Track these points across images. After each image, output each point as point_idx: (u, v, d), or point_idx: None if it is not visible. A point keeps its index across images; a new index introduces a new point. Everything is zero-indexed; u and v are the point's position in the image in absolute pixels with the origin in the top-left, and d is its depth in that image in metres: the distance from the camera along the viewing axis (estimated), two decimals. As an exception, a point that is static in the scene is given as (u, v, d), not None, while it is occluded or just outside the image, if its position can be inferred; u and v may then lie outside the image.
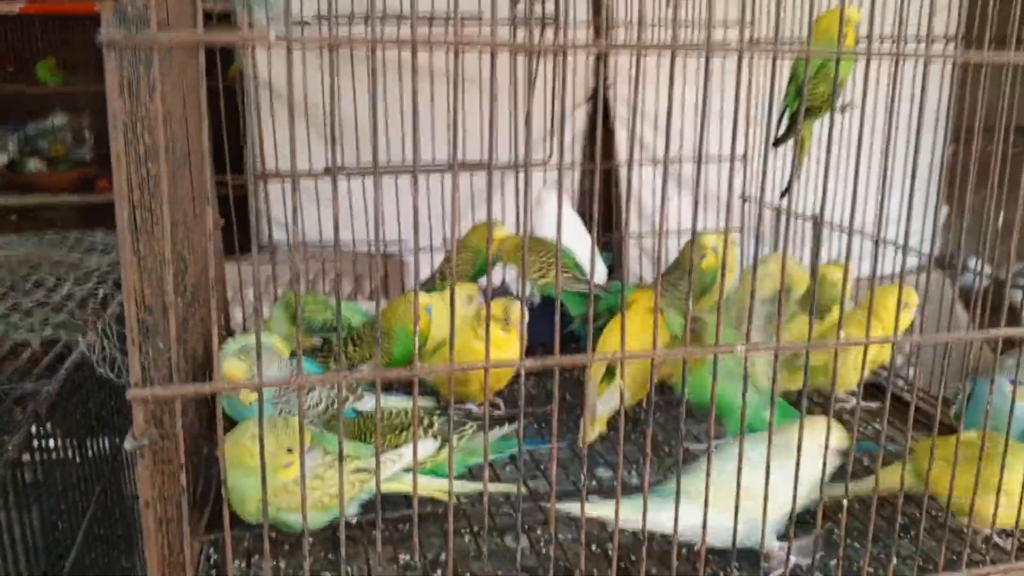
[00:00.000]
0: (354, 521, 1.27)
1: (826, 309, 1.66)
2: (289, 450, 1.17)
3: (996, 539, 1.17)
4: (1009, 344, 1.27)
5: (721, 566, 1.16)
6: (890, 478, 1.16)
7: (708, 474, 0.95)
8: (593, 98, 2.62)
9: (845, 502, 1.04)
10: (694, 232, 0.93)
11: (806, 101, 1.53)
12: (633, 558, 1.19)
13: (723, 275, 0.97)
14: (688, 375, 0.95)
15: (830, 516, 1.22)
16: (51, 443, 1.54)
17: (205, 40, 0.71)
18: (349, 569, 1.18)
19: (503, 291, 2.06)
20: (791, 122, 1.59)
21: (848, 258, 0.97)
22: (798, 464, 0.96)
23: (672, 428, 1.60)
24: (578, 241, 1.87)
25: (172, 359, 0.81)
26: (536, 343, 1.28)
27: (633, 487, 1.36)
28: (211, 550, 1.22)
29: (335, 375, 0.84)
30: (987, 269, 1.42)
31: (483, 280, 1.86)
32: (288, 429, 1.17)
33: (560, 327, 0.87)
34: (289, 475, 1.18)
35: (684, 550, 1.20)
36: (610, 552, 1.09)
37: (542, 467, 1.45)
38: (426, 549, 1.23)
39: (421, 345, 1.59)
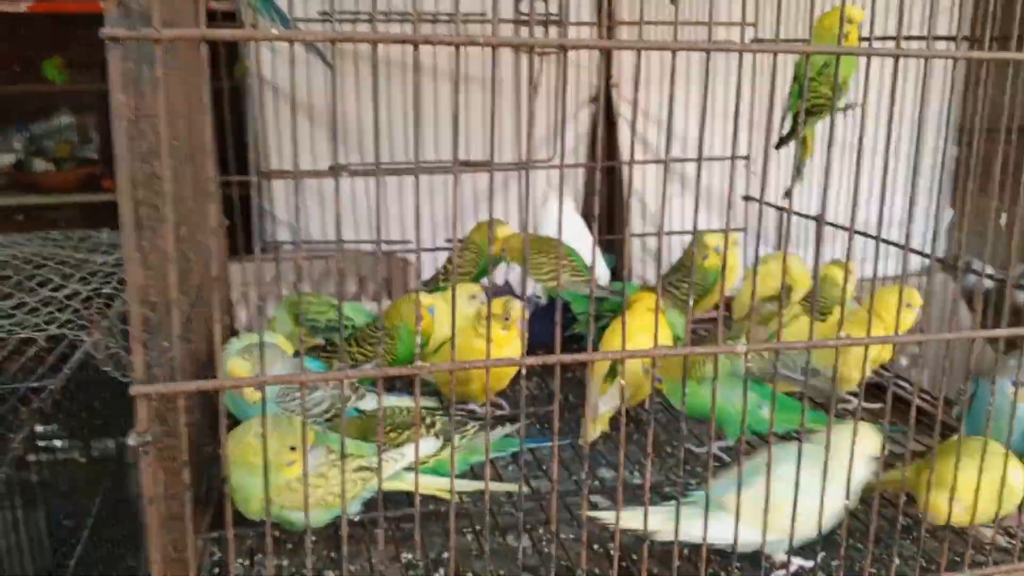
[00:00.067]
0: (356, 519, 1.28)
1: (828, 310, 1.66)
2: (292, 448, 1.17)
3: (1000, 539, 1.17)
4: (1012, 345, 1.27)
5: (723, 566, 1.16)
6: (890, 479, 1.16)
7: (725, 483, 0.95)
8: (595, 98, 2.62)
9: (846, 503, 1.05)
10: (695, 232, 0.93)
11: (810, 101, 1.54)
12: (634, 557, 1.19)
13: (724, 275, 0.96)
14: (683, 381, 0.95)
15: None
16: (57, 443, 1.55)
17: (207, 35, 0.71)
18: (352, 567, 1.19)
19: (507, 291, 2.06)
20: (794, 122, 1.59)
21: (849, 257, 0.97)
22: (848, 475, 0.98)
23: (674, 429, 1.60)
24: (581, 241, 1.87)
25: (175, 356, 0.81)
26: (539, 344, 1.28)
27: (635, 487, 1.36)
28: (214, 548, 1.23)
29: (338, 373, 0.85)
30: (990, 270, 1.42)
31: (487, 279, 1.86)
32: (292, 428, 1.18)
33: (564, 328, 0.88)
34: (292, 473, 1.18)
35: (686, 550, 1.20)
36: (611, 551, 1.09)
37: (544, 467, 1.45)
38: (428, 548, 1.23)
39: (423, 344, 1.59)
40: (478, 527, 1.26)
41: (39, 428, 1.47)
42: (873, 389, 1.69)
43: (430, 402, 1.60)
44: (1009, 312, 1.09)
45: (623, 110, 2.79)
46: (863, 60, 0.90)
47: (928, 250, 1.48)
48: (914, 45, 1.64)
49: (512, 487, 1.33)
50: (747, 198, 2.17)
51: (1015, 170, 1.23)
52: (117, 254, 1.64)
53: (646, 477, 0.96)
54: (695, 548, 1.17)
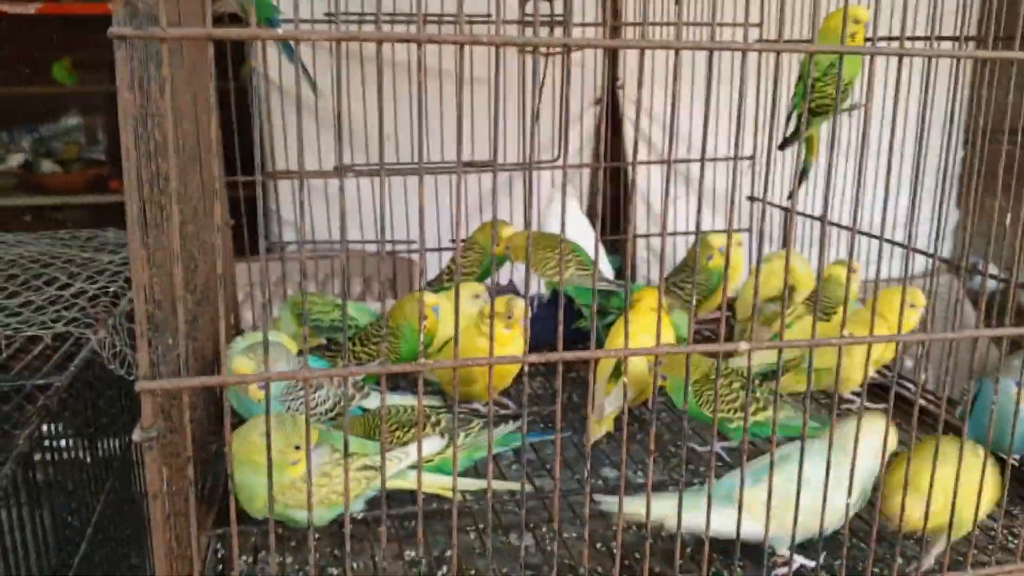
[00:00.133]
0: (360, 517, 1.28)
1: (832, 310, 1.66)
2: (297, 447, 1.17)
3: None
4: (1016, 345, 1.27)
5: (725, 564, 1.16)
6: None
7: (740, 479, 0.95)
8: (604, 99, 2.63)
9: (848, 502, 1.04)
10: (698, 231, 0.93)
11: (816, 101, 1.54)
12: (637, 555, 1.19)
13: (726, 276, 0.96)
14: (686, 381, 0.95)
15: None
16: (62, 443, 1.56)
17: (212, 34, 0.72)
18: (355, 565, 1.19)
19: (511, 290, 2.06)
20: (798, 123, 1.59)
21: (851, 256, 0.97)
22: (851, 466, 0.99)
23: (677, 428, 1.60)
24: (586, 241, 1.87)
25: (180, 353, 0.82)
26: (542, 342, 1.29)
27: (638, 486, 1.36)
28: (218, 545, 1.23)
29: (341, 370, 0.85)
30: (994, 270, 1.42)
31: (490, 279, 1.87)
32: (296, 427, 1.18)
33: (569, 324, 0.88)
34: (297, 472, 1.18)
35: (688, 549, 1.20)
36: (614, 550, 1.09)
37: (547, 466, 1.45)
38: (432, 546, 1.24)
39: (427, 344, 1.60)
40: (481, 525, 1.26)
41: (45, 428, 1.47)
42: (876, 390, 1.69)
43: (434, 401, 1.61)
44: (1014, 312, 1.09)
45: (628, 111, 2.80)
46: (868, 60, 0.90)
47: (936, 251, 1.48)
48: (919, 46, 1.64)
49: (515, 485, 1.34)
50: (752, 199, 2.17)
51: (1020, 171, 1.23)
52: (123, 253, 1.65)
53: (648, 476, 0.96)
54: (697, 547, 1.18)
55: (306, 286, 0.83)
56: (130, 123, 0.76)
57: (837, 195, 1.85)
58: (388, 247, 2.21)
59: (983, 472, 1.08)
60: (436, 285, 1.91)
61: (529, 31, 1.97)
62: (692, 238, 2.23)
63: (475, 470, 1.39)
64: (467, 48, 0.79)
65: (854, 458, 1.00)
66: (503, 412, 1.63)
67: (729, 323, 1.97)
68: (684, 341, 1.54)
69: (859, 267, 1.78)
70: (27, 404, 1.44)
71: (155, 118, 0.92)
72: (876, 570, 1.14)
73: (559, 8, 2.10)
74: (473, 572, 1.18)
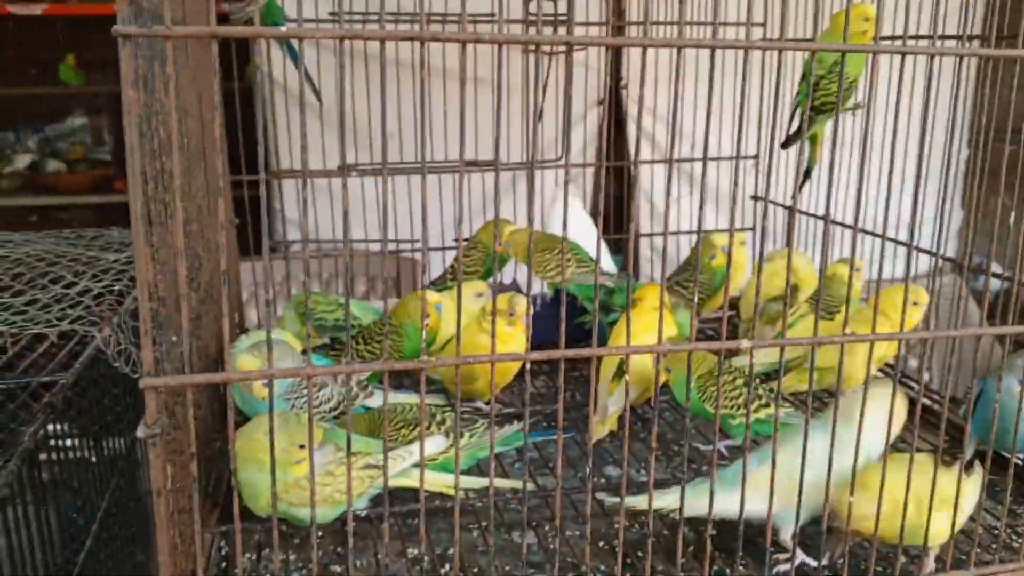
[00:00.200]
0: (363, 515, 1.28)
1: (836, 309, 1.66)
2: (301, 446, 1.18)
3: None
4: (1020, 344, 1.26)
5: (728, 562, 1.16)
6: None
7: (742, 465, 0.95)
8: (607, 98, 2.63)
9: (850, 501, 1.04)
10: (699, 231, 0.94)
11: (820, 99, 1.54)
12: (639, 554, 1.19)
13: (729, 274, 0.96)
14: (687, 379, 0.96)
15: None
16: (68, 442, 1.56)
17: (217, 32, 0.72)
18: (358, 562, 1.20)
19: (514, 289, 2.06)
20: (801, 121, 1.59)
21: (853, 254, 0.97)
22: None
23: (680, 427, 1.60)
24: (589, 240, 1.87)
25: (184, 350, 0.82)
26: (545, 341, 1.29)
27: (640, 484, 1.36)
28: (222, 542, 1.24)
29: (344, 367, 0.85)
30: (998, 268, 1.41)
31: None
32: (300, 425, 1.18)
33: (572, 319, 0.88)
34: (301, 471, 1.19)
35: (691, 547, 1.21)
36: (616, 548, 1.09)
37: (550, 464, 1.45)
38: (434, 543, 1.24)
39: (430, 342, 1.60)
40: (484, 523, 1.26)
41: (51, 427, 1.48)
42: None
43: (437, 399, 1.61)
44: (1017, 310, 1.09)
45: (632, 110, 2.80)
46: (877, 59, 0.89)
47: (939, 251, 1.48)
48: (923, 44, 1.64)
49: (517, 483, 1.34)
50: (755, 198, 2.17)
51: (1024, 170, 1.23)
52: (128, 251, 1.66)
53: (650, 474, 0.97)
54: (699, 544, 1.18)
55: (310, 285, 0.84)
56: (134, 121, 0.76)
57: (842, 193, 1.86)
58: (392, 246, 2.22)
59: (958, 484, 1.06)
60: (440, 284, 1.91)
61: (532, 30, 1.97)
62: (695, 237, 2.23)
63: (478, 468, 1.40)
64: (470, 47, 0.79)
65: (859, 431, 0.99)
66: (506, 411, 1.64)
67: (733, 322, 1.97)
68: (688, 340, 1.54)
69: (863, 266, 1.78)
70: (32, 402, 1.44)
71: (159, 116, 0.93)
72: (879, 568, 1.14)
73: (563, 8, 2.11)
74: (476, 570, 1.18)
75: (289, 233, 2.79)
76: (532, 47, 2.05)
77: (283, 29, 0.76)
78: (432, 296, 1.60)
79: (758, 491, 1.00)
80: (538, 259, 1.74)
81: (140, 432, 0.83)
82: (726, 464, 1.42)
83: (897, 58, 0.92)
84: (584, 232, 1.86)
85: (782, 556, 1.17)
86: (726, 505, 1.02)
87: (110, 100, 3.85)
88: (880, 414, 1.04)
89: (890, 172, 0.97)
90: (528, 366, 0.90)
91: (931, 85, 0.93)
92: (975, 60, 1.97)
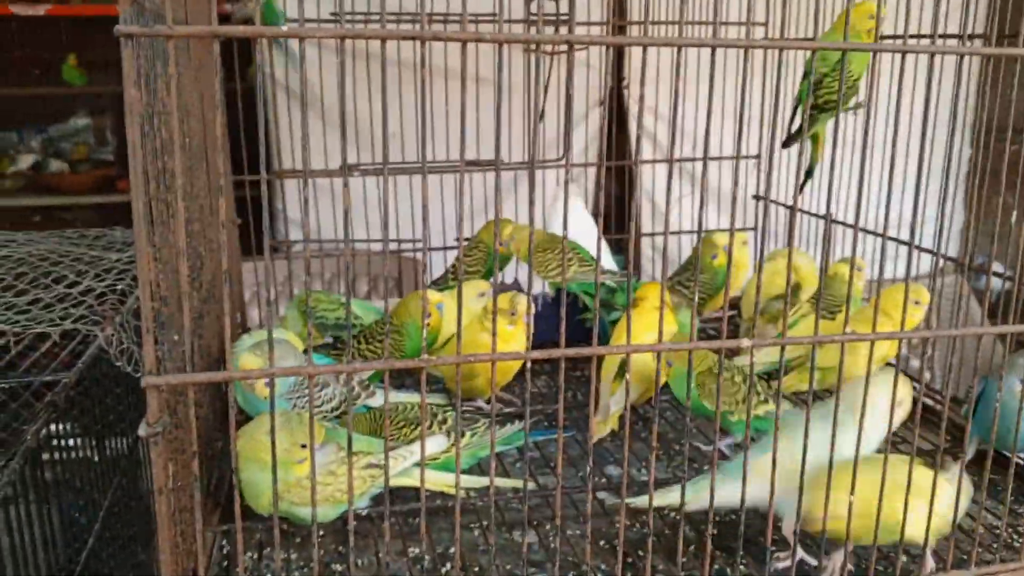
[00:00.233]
0: (364, 513, 1.29)
1: (837, 308, 1.66)
2: (303, 446, 1.18)
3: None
4: (1021, 344, 1.26)
5: (728, 561, 1.17)
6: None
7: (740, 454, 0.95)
8: (609, 98, 2.63)
9: (852, 499, 1.04)
10: (700, 229, 0.94)
11: (823, 97, 1.53)
12: (640, 553, 1.19)
13: (729, 274, 0.96)
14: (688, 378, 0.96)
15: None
16: (70, 442, 1.57)
17: (218, 32, 0.73)
18: (359, 561, 1.20)
19: (516, 289, 2.07)
20: (802, 118, 1.59)
21: (854, 253, 0.97)
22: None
23: (681, 427, 1.60)
24: (591, 239, 1.87)
25: (186, 349, 0.82)
26: (547, 341, 1.29)
27: (641, 483, 1.36)
28: (223, 541, 1.24)
29: (345, 366, 0.86)
30: (999, 267, 1.41)
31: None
32: (302, 425, 1.19)
33: (574, 316, 0.88)
34: (303, 471, 1.19)
35: (692, 546, 1.21)
36: (617, 547, 1.09)
37: (551, 464, 1.45)
38: (435, 542, 1.24)
39: (432, 341, 1.60)
40: (484, 522, 1.27)
41: (53, 427, 1.49)
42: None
43: (439, 398, 1.61)
44: (1019, 310, 1.09)
45: (634, 110, 2.80)
46: (880, 58, 0.89)
47: (941, 250, 1.48)
48: (924, 43, 1.64)
49: (518, 483, 1.34)
50: (757, 197, 2.17)
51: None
52: (131, 251, 1.66)
53: (651, 473, 0.97)
54: (699, 543, 1.18)
55: (311, 284, 0.84)
56: (137, 120, 0.77)
57: (844, 193, 1.86)
58: (393, 246, 2.22)
59: (933, 488, 1.05)
60: (441, 284, 1.91)
61: (533, 30, 1.97)
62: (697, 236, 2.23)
63: (479, 467, 1.40)
64: (471, 46, 0.79)
65: (862, 417, 0.99)
66: (507, 410, 1.64)
67: (735, 322, 1.97)
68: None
69: (864, 265, 1.78)
70: (35, 401, 1.45)
71: (162, 116, 0.93)
72: (880, 568, 1.14)
73: (564, 7, 2.11)
74: (476, 569, 1.18)
75: (291, 233, 2.80)
76: (533, 46, 2.05)
77: (284, 29, 0.76)
78: (434, 295, 1.60)
79: (760, 476, 1.00)
80: (540, 258, 1.74)
81: (142, 431, 0.83)
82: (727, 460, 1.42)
83: (899, 57, 0.92)
84: (585, 232, 1.87)
85: (782, 554, 1.17)
86: (729, 495, 1.02)
87: (113, 100, 3.86)
88: (883, 401, 1.04)
89: (891, 171, 0.97)
90: (529, 365, 0.90)
91: (932, 84, 0.93)
92: (977, 59, 1.97)
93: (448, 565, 1.18)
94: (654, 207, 2.94)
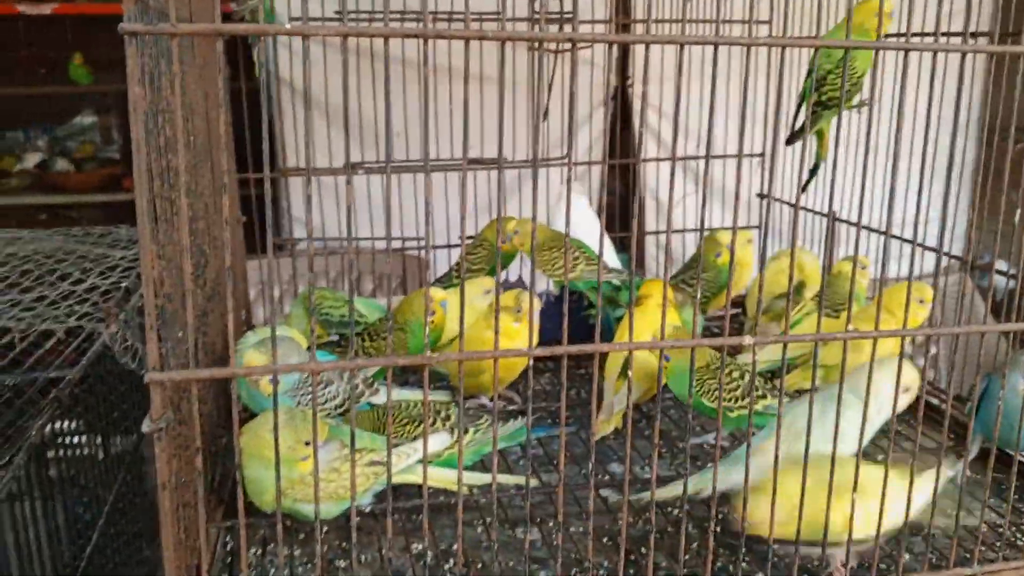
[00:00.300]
0: (367, 510, 1.29)
1: (841, 306, 1.65)
2: (307, 443, 1.18)
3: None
4: (1025, 342, 1.26)
5: (730, 559, 1.17)
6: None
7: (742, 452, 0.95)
8: (613, 97, 2.63)
9: (853, 498, 1.04)
10: (702, 228, 0.94)
11: (827, 94, 1.53)
12: (643, 550, 1.19)
13: (732, 272, 0.97)
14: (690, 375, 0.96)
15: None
16: (75, 439, 1.58)
17: (221, 30, 0.73)
18: (362, 557, 1.20)
19: (520, 286, 2.07)
20: (806, 116, 1.59)
21: (856, 251, 0.97)
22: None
23: (683, 425, 1.60)
24: (596, 237, 1.88)
25: (190, 347, 0.83)
26: (552, 339, 1.29)
27: (644, 480, 1.36)
28: (227, 537, 1.24)
29: (348, 362, 0.86)
30: (1002, 265, 1.41)
31: (501, 275, 1.87)
32: (306, 422, 1.19)
33: (579, 312, 0.88)
34: (306, 468, 1.19)
35: (694, 544, 1.21)
36: (619, 544, 1.09)
37: (554, 461, 1.46)
38: (438, 539, 1.24)
39: (436, 339, 1.61)
40: (487, 519, 1.27)
41: (58, 424, 1.49)
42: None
43: (443, 395, 1.61)
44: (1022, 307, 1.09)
45: (639, 108, 2.80)
46: (883, 55, 0.90)
47: (946, 248, 1.48)
48: (928, 41, 1.63)
49: (521, 480, 1.34)
50: (761, 195, 2.17)
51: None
52: (135, 249, 1.67)
53: (653, 470, 0.97)
54: (702, 540, 1.18)
55: (315, 282, 0.84)
56: (141, 118, 0.77)
57: (847, 191, 1.85)
58: (397, 244, 2.22)
59: (883, 486, 1.02)
60: (446, 282, 1.92)
61: (537, 28, 1.97)
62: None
63: (482, 464, 1.40)
64: (475, 44, 0.79)
65: (866, 402, 0.99)
66: (511, 407, 1.64)
67: (740, 320, 1.96)
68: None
69: (868, 263, 1.78)
70: (40, 397, 1.46)
71: (166, 114, 0.94)
72: (883, 566, 1.14)
73: (568, 5, 2.11)
74: (479, 565, 1.19)
75: (296, 231, 2.81)
76: (536, 44, 2.05)
77: (287, 26, 0.77)
78: (437, 293, 1.60)
79: (764, 455, 1.00)
80: (547, 257, 1.74)
81: (145, 426, 0.83)
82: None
83: (902, 55, 0.92)
84: (590, 230, 1.87)
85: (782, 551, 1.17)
86: (733, 479, 1.02)
87: (119, 99, 3.87)
88: (887, 387, 1.04)
89: (894, 169, 0.96)
90: (531, 362, 0.90)
91: (935, 82, 0.93)
92: (982, 58, 1.96)
93: (451, 561, 1.18)
94: (658, 205, 2.94)
